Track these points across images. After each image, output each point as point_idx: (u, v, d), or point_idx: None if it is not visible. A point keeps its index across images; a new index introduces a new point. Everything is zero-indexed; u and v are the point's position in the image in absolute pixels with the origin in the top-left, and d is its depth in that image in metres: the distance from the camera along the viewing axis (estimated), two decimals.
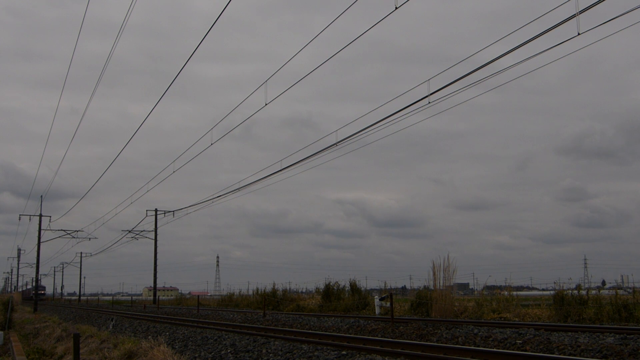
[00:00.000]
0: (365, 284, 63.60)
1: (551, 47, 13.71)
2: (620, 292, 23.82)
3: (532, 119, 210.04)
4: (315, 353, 12.04)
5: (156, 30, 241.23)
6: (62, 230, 62.46)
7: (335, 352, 11.92)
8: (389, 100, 52.67)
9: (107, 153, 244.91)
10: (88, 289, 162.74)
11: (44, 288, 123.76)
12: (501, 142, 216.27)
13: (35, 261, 58.88)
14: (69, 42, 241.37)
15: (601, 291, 25.54)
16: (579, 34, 12.88)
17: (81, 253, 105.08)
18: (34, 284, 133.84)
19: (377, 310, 27.68)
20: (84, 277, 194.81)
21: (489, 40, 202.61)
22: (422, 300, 27.14)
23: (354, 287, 35.23)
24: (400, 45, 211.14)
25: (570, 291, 22.75)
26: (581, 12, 12.60)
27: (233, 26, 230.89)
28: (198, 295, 54.62)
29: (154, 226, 61.89)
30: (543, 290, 69.70)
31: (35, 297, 59.31)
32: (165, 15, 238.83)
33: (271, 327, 19.69)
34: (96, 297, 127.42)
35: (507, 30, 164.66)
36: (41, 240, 57.48)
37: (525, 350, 12.07)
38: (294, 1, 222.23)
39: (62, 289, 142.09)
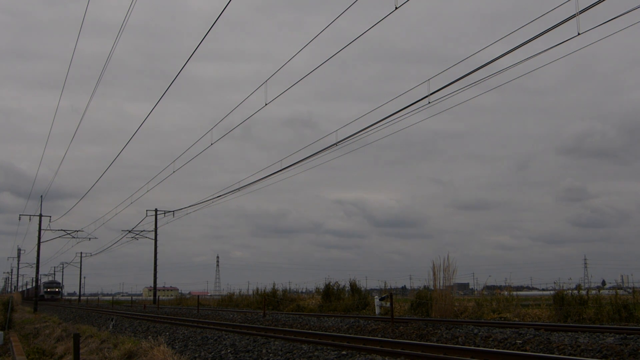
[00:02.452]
0: (365, 284, 63.55)
1: (551, 47, 13.72)
2: (620, 292, 23.84)
3: (532, 119, 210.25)
4: (315, 353, 12.04)
5: (152, 30, 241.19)
6: (62, 230, 62.49)
7: (335, 352, 11.92)
8: (388, 100, 52.68)
9: (105, 153, 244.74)
10: (88, 289, 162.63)
11: (58, 285, 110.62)
12: (501, 142, 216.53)
13: (35, 261, 58.92)
14: (64, 41, 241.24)
15: (601, 291, 25.55)
16: (579, 34, 12.88)
17: (81, 253, 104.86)
18: (49, 279, 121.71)
19: (377, 310, 27.68)
20: (84, 277, 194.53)
21: (489, 40, 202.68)
22: (422, 300, 27.14)
23: (354, 287, 35.24)
24: (398, 45, 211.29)
25: (570, 291, 22.75)
26: (581, 12, 12.60)
27: (230, 25, 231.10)
28: (198, 295, 54.63)
29: (154, 226, 61.88)
30: (543, 290, 69.75)
31: (35, 297, 59.06)
32: (161, 15, 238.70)
33: (271, 327, 19.69)
34: (96, 297, 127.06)
35: (506, 30, 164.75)
36: (41, 240, 57.52)
37: (525, 350, 12.07)
38: (291, 0, 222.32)
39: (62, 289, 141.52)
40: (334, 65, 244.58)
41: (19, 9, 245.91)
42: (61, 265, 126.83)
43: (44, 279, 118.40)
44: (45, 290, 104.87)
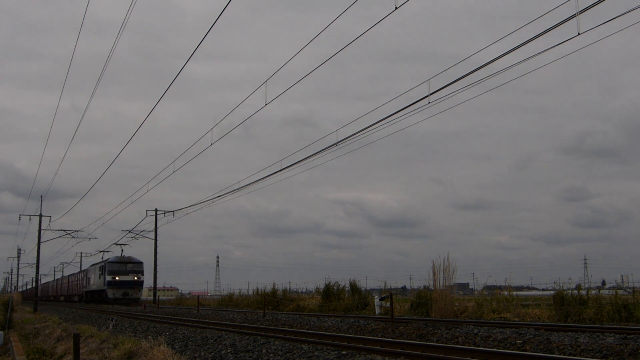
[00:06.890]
0: (365, 284, 63.51)
1: (550, 48, 13.73)
2: (620, 292, 23.83)
3: (532, 119, 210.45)
4: (315, 353, 12.04)
5: (148, 29, 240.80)
6: (62, 230, 62.10)
7: (335, 352, 11.92)
8: (388, 101, 52.75)
9: (101, 152, 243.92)
10: None
11: (139, 270, 55.13)
12: (501, 142, 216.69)
13: (35, 261, 58.84)
14: (57, 40, 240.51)
15: (601, 291, 25.55)
16: (579, 34, 12.89)
17: (81, 253, 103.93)
18: (120, 254, 52.18)
19: (377, 310, 27.68)
20: None
21: (488, 40, 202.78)
22: (422, 300, 27.14)
23: (354, 287, 35.23)
24: (398, 45, 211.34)
25: (570, 291, 22.75)
26: (581, 12, 12.61)
27: (226, 24, 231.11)
28: (198, 295, 54.62)
29: (154, 226, 61.85)
30: (543, 290, 69.78)
31: (35, 296, 58.82)
32: (156, 14, 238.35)
33: (271, 327, 19.68)
34: None
35: (506, 30, 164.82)
36: (41, 240, 57.38)
37: (525, 350, 12.07)
38: (289, 0, 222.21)
39: None
40: (334, 65, 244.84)
41: (13, 8, 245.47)
42: (61, 265, 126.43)
43: (107, 255, 60.78)
44: (109, 280, 53.00)
